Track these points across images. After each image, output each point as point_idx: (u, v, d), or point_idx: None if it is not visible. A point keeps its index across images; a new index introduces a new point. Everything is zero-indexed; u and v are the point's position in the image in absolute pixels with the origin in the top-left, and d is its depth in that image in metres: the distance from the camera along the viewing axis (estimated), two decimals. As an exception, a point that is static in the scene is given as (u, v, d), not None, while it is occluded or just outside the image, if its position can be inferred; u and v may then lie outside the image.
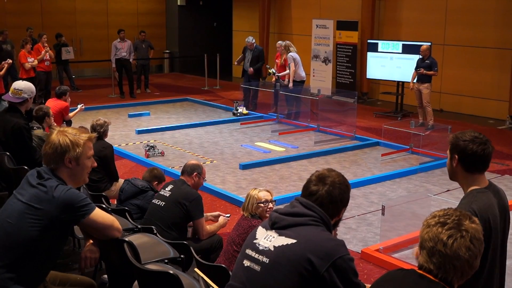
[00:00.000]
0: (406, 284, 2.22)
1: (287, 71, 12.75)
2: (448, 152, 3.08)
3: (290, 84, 12.50)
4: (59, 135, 3.23)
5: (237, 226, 4.64)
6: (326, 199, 2.57)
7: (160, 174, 6.11)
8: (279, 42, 13.44)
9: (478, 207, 2.87)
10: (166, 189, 5.22)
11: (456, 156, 3.00)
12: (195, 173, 5.34)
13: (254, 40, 14.02)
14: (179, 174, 7.76)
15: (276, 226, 2.56)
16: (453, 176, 3.11)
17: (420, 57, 11.71)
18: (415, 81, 11.81)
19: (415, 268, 2.27)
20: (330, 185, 2.59)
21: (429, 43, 12.29)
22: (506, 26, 12.65)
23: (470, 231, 2.16)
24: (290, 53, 12.58)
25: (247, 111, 13.07)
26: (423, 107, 11.72)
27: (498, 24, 12.84)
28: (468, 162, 2.98)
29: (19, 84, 6.24)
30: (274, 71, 13.15)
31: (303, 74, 12.72)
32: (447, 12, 13.79)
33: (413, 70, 11.87)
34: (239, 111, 13.05)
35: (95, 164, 3.39)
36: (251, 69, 13.56)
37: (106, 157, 6.49)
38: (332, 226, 2.63)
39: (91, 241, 3.31)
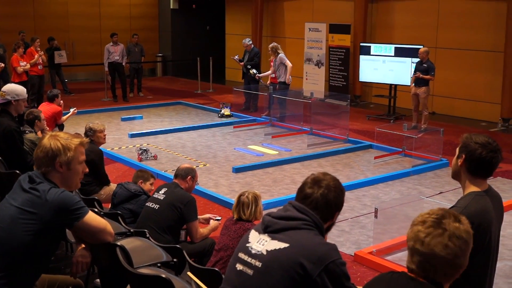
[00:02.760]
0: (396, 287, 2.23)
1: (269, 72, 13.14)
2: (457, 149, 3.06)
3: (288, 77, 12.58)
4: (50, 139, 3.22)
5: (226, 231, 4.60)
6: (321, 202, 2.57)
7: (143, 173, 6.16)
8: (270, 45, 13.52)
9: (473, 210, 2.87)
10: (160, 192, 5.21)
11: (464, 155, 2.98)
12: (189, 177, 5.35)
13: (250, 42, 14.11)
14: (172, 177, 7.76)
15: (268, 230, 2.55)
16: (455, 175, 3.09)
17: (419, 60, 11.65)
18: (412, 84, 11.79)
19: (406, 270, 2.27)
20: (325, 188, 2.59)
21: (421, 46, 12.34)
22: (497, 29, 12.71)
23: (449, 229, 2.13)
24: (280, 54, 12.70)
25: (229, 113, 13.10)
26: (419, 110, 11.69)
27: (490, 27, 12.90)
28: (473, 165, 2.96)
29: (4, 86, 6.27)
30: (255, 71, 13.25)
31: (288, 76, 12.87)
32: (439, 15, 13.84)
33: (412, 74, 11.86)
34: (221, 112, 13.06)
35: (87, 170, 3.36)
36: (242, 63, 13.87)
37: (93, 161, 6.46)
38: (326, 230, 2.62)
39: (83, 246, 3.30)
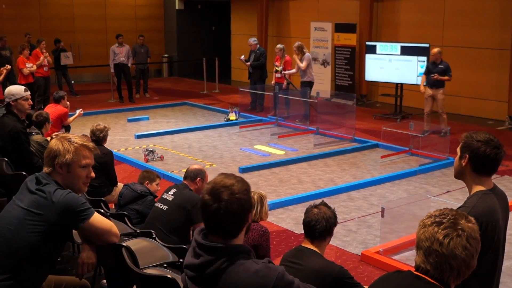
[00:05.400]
0: (402, 286, 2.22)
1: (293, 70, 13.03)
2: (458, 150, 3.04)
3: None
4: (56, 140, 3.25)
5: None
6: (228, 218, 2.26)
7: (149, 174, 6.16)
8: (278, 45, 13.49)
9: (482, 209, 2.86)
10: (169, 192, 5.18)
11: (467, 155, 2.96)
12: (198, 178, 5.28)
13: (256, 41, 14.09)
14: (178, 178, 7.76)
15: (201, 285, 2.32)
16: (459, 175, 3.07)
17: (431, 61, 11.22)
18: (424, 84, 11.37)
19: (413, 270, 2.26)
20: (226, 201, 2.25)
21: (427, 45, 12.31)
22: (504, 27, 12.66)
23: (466, 230, 2.15)
24: (307, 54, 12.76)
25: (235, 118, 12.99)
26: (438, 113, 11.25)
27: (496, 25, 12.85)
28: (478, 164, 2.95)
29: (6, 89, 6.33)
30: (280, 68, 13.13)
31: (313, 75, 12.85)
32: (445, 13, 13.80)
33: (422, 74, 11.51)
34: (228, 117, 13.01)
35: (93, 175, 3.33)
36: (248, 63, 13.82)
37: (106, 163, 6.51)
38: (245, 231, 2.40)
39: (88, 247, 3.30)
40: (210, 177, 8.27)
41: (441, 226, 2.15)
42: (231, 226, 2.29)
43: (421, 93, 11.64)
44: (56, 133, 7.66)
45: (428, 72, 11.25)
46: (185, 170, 5.54)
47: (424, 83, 11.37)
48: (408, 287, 2.19)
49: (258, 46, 14.03)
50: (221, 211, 2.24)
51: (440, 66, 11.06)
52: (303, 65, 12.57)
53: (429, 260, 2.15)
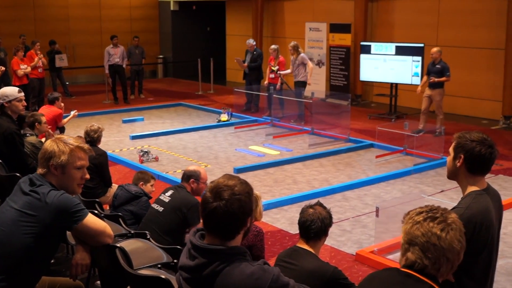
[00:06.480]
0: (392, 285, 2.22)
1: (288, 70, 13.05)
2: (451, 150, 3.02)
3: (309, 81, 12.71)
4: (52, 141, 3.25)
5: None
6: (226, 217, 2.27)
7: (143, 175, 6.13)
8: (272, 46, 13.52)
9: (476, 210, 2.87)
10: (166, 194, 5.14)
11: (462, 156, 2.95)
12: (191, 180, 5.23)
13: (254, 42, 14.13)
14: (173, 179, 7.76)
15: (195, 287, 2.34)
16: (453, 175, 3.06)
17: (431, 61, 11.09)
18: (421, 85, 11.36)
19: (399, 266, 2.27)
20: (227, 200, 2.25)
21: (422, 44, 12.33)
22: (498, 27, 12.69)
23: (457, 224, 2.21)
24: (302, 54, 12.80)
25: (227, 119, 12.99)
26: (436, 114, 11.17)
27: (491, 25, 12.89)
28: (473, 163, 2.94)
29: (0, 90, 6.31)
30: (277, 68, 13.13)
31: (307, 75, 12.90)
32: (439, 13, 13.83)
33: (424, 75, 11.42)
34: (219, 118, 13.00)
35: (87, 176, 3.33)
36: (246, 64, 13.83)
37: (101, 164, 6.49)
38: (243, 235, 2.40)
39: (82, 248, 3.30)
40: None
41: (436, 221, 2.18)
42: (228, 227, 2.29)
43: (418, 93, 11.63)
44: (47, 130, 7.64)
45: (427, 72, 11.21)
46: (179, 171, 5.53)
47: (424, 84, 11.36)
48: (399, 285, 2.19)
49: (255, 47, 14.06)
50: (220, 210, 2.25)
51: (437, 66, 10.99)
52: (310, 66, 12.67)
53: (427, 255, 2.16)
